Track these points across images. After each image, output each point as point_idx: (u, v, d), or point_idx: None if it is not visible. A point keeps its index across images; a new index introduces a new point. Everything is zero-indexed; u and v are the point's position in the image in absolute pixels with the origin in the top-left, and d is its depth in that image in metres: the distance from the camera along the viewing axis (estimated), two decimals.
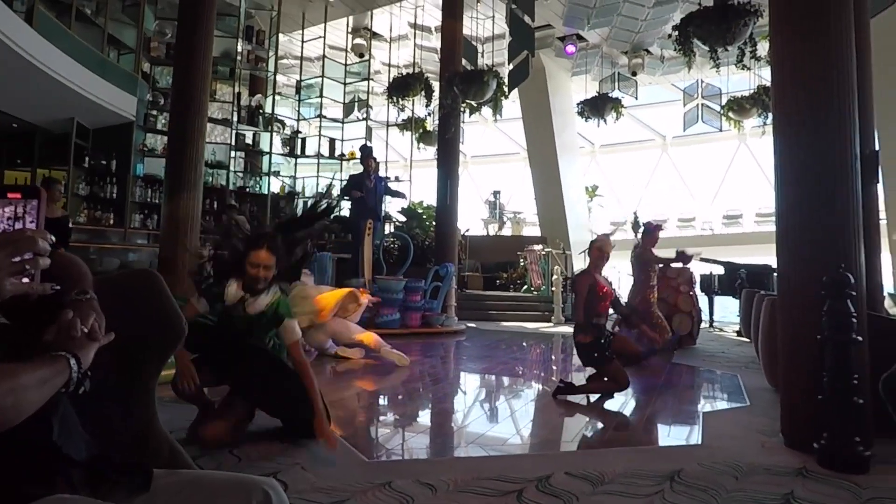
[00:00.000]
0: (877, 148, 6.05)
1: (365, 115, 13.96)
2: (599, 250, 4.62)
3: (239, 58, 12.12)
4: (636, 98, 16.87)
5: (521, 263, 13.54)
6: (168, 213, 7.17)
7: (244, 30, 12.21)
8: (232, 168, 11.91)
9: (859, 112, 3.67)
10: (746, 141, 19.21)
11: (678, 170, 21.94)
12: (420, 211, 14.11)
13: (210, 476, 1.32)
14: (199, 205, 7.29)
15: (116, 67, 9.78)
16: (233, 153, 11.99)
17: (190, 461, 1.57)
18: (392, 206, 13.44)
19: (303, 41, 13.88)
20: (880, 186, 6.33)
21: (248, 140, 12.55)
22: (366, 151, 9.77)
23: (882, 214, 6.95)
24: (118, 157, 10.12)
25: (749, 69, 9.68)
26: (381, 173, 10.98)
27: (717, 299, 11.61)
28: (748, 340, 7.87)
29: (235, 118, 11.99)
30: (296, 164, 13.33)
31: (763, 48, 7.11)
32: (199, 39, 7.33)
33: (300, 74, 13.77)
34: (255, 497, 1.19)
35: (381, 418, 4.09)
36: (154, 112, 10.75)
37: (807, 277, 3.36)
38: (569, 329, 10.57)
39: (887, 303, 8.36)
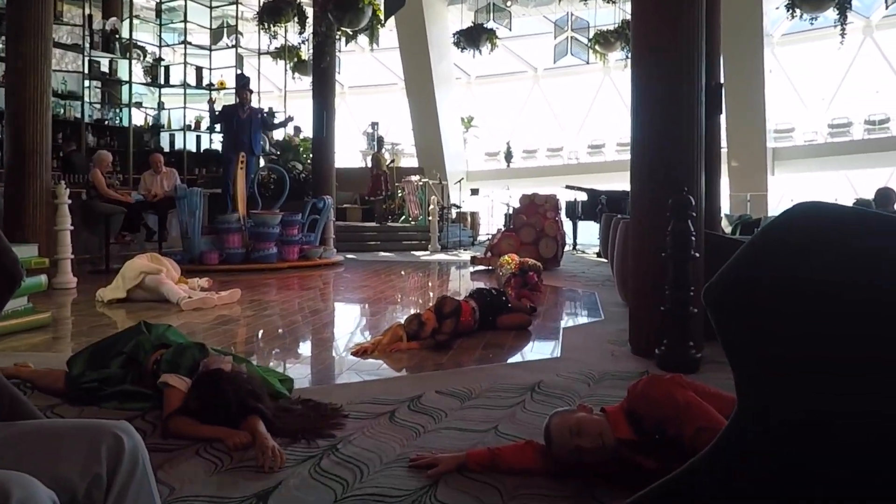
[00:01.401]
0: (721, 81, 6.54)
1: (234, 43, 13.17)
2: None
3: None
4: (510, 30, 17.02)
5: (399, 194, 13.63)
6: (12, 149, 6.58)
7: None
8: (87, 99, 10.95)
9: (707, 46, 3.96)
10: (610, 74, 19.95)
11: (548, 101, 22.54)
12: (297, 143, 13.74)
13: (52, 424, 1.23)
14: (48, 139, 6.73)
15: None
16: (87, 82, 11.01)
17: (36, 411, 1.43)
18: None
19: None
20: (723, 118, 6.90)
21: (105, 68, 11.55)
22: (242, 81, 9.35)
23: (723, 143, 7.57)
24: None
25: (615, 3, 10.06)
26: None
27: (581, 224, 12.39)
28: (606, 261, 8.50)
29: (88, 44, 10.96)
30: (160, 95, 12.47)
31: None
32: None
33: None
34: (105, 442, 1.11)
35: (263, 353, 4.12)
36: None
37: (655, 201, 3.66)
38: (445, 256, 10.91)
39: (723, 223, 9.30)
